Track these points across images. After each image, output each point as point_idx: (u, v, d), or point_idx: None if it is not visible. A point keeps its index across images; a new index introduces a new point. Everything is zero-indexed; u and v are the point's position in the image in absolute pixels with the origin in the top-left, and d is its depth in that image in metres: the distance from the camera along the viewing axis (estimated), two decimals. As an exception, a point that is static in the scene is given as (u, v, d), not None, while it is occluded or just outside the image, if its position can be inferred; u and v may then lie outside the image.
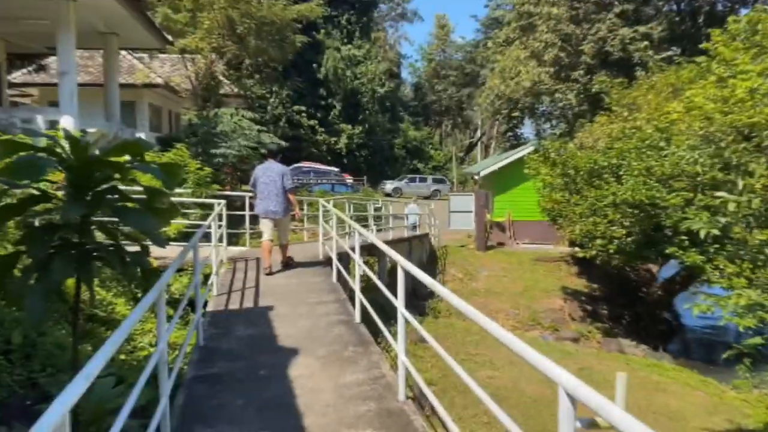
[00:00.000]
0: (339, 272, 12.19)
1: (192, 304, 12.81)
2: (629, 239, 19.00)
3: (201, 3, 28.83)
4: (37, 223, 6.17)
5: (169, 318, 12.85)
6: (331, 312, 9.79)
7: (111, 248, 6.12)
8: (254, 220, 14.71)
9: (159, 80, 30.62)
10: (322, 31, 64.44)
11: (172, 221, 16.11)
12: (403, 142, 77.03)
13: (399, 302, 6.24)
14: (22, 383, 7.74)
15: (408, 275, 6.15)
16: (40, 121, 16.39)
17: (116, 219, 5.81)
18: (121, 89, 28.97)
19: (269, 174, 13.11)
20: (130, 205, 5.98)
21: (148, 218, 6.02)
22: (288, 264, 13.91)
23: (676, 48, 34.11)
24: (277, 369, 7.17)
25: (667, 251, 18.69)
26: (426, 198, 53.97)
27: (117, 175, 5.99)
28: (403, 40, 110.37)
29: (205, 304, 10.47)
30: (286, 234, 13.88)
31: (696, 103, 20.43)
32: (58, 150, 5.46)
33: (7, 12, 17.93)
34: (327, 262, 14.48)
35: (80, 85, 27.66)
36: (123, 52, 32.08)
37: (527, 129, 47.58)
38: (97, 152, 5.99)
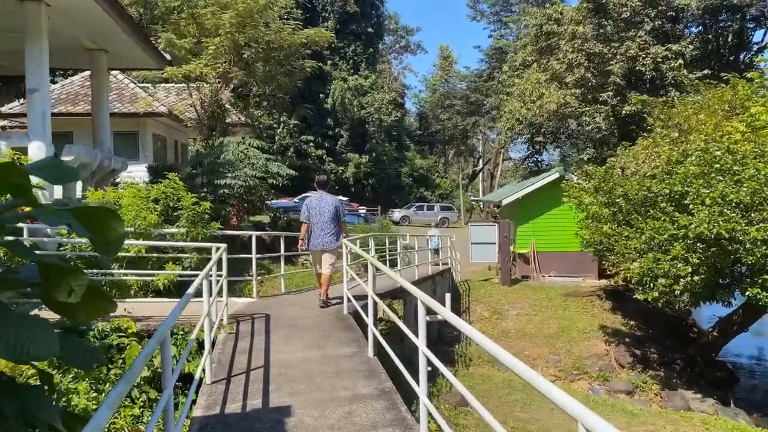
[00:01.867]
0: (367, 336, 8.71)
1: (185, 379, 9.35)
2: (696, 278, 15.42)
3: (206, 28, 25.61)
4: None
5: (152, 404, 9.44)
6: (378, 421, 6.17)
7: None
8: (277, 259, 11.23)
9: (162, 108, 27.27)
10: (329, 62, 61.92)
11: (162, 273, 12.54)
12: (410, 170, 74.15)
13: None
14: None
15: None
16: (3, 148, 12.82)
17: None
18: (123, 119, 25.90)
19: (322, 205, 12.04)
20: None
21: (37, 326, 2.53)
22: (326, 304, 12.33)
23: (706, 68, 30.69)
24: None
25: (747, 292, 15.28)
26: (434, 226, 50.78)
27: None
28: (407, 71, 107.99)
29: (199, 384, 6.96)
30: (332, 265, 12.25)
31: (762, 121, 17.09)
32: None
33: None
34: (352, 311, 11.23)
35: (80, 115, 24.83)
36: (126, 81, 29.05)
37: (545, 155, 44.05)
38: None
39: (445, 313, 5.27)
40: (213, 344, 8.77)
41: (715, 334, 21.14)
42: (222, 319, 10.36)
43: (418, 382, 5.83)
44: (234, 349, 9.11)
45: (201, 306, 8.09)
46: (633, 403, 17.36)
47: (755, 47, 35.48)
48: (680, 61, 29.40)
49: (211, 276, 9.48)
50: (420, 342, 5.71)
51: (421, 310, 5.77)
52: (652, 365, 20.08)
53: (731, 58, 34.63)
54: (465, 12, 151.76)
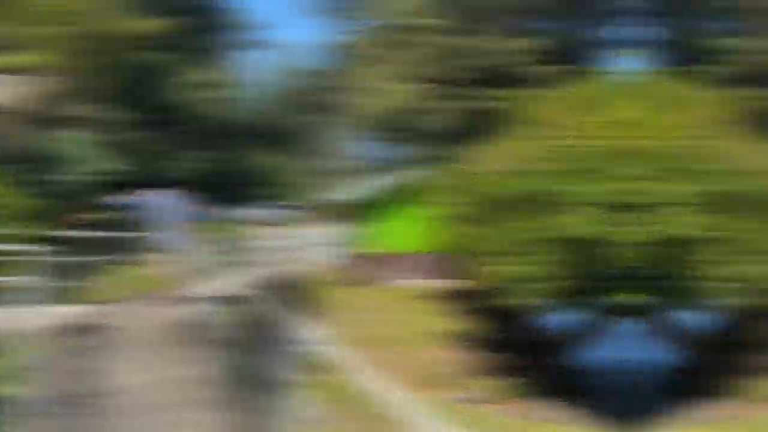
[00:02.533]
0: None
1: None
2: (562, 283, 15.05)
3: (31, 14, 23.84)
4: None
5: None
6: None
7: None
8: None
9: (-20, 100, 25.14)
10: (170, 55, 59.88)
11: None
12: (254, 168, 72.76)
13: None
14: None
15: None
16: None
17: None
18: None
19: (163, 202, 12.31)
20: None
21: None
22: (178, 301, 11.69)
23: (563, 64, 30.87)
24: None
25: (614, 297, 15.04)
26: (278, 226, 50.24)
27: None
28: (252, 67, 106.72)
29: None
30: (184, 261, 11.97)
31: (625, 117, 16.85)
32: None
33: None
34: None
35: None
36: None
37: (392, 153, 43.87)
38: None
39: (310, 334, 4.15)
40: (32, 365, 7.29)
41: (571, 339, 20.91)
42: (43, 333, 8.80)
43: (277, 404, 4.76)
44: (57, 371, 7.59)
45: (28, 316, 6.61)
46: (494, 414, 16.73)
47: (609, 45, 36.16)
48: (536, 56, 29.37)
49: (24, 281, 8.08)
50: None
51: (282, 328, 4.61)
52: (509, 372, 19.58)
53: (587, 54, 35.12)
54: (310, 7, 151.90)
